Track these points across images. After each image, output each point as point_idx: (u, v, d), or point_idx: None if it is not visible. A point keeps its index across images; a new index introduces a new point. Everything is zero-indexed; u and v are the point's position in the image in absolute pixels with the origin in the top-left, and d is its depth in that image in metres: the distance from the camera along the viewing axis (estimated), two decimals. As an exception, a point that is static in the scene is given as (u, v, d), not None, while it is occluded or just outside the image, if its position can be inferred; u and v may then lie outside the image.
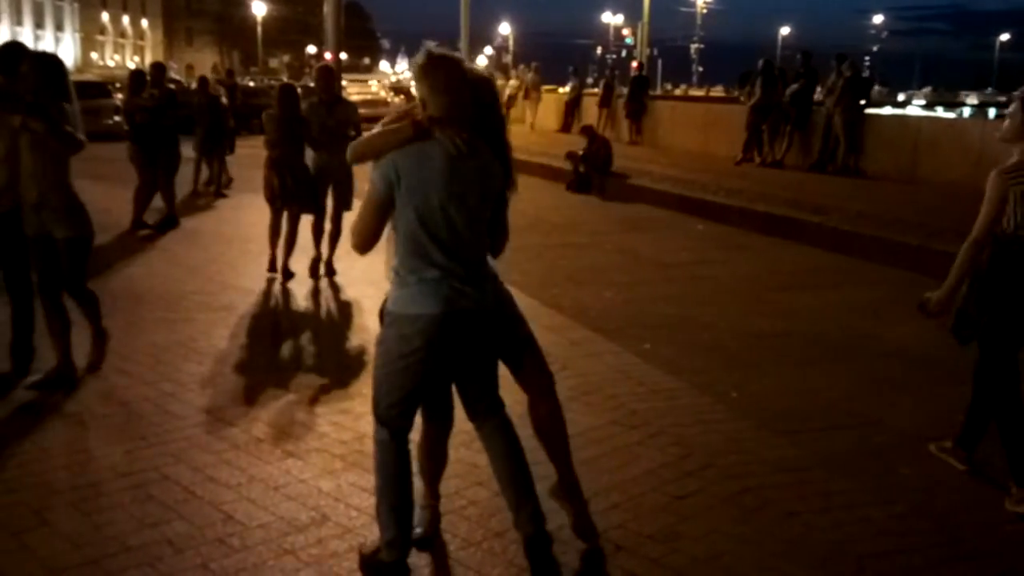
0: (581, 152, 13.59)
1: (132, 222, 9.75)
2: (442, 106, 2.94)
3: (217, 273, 7.84)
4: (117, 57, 77.80)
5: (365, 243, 3.02)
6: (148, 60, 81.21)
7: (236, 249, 8.89)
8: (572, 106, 21.89)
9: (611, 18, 78.20)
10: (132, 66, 69.43)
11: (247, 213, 10.83)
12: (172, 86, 11.40)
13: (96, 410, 4.69)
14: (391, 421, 3.10)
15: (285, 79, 51.52)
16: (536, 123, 23.73)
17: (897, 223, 9.40)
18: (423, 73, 2.96)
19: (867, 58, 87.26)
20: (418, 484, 3.35)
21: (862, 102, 14.03)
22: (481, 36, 78.68)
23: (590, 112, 21.07)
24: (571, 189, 13.47)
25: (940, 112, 51.28)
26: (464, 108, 2.98)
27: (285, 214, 7.56)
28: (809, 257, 9.19)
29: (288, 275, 7.52)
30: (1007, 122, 4.01)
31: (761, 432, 4.61)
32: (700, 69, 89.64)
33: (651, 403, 4.94)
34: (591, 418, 4.68)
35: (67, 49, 73.11)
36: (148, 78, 10.31)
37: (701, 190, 11.97)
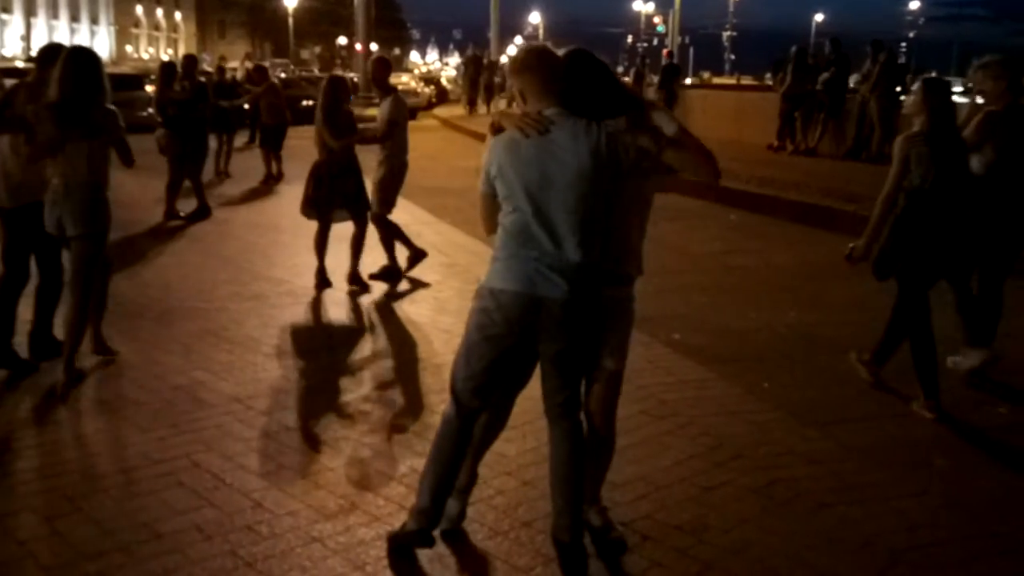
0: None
1: (165, 213, 9.84)
2: (538, 96, 2.99)
3: (248, 263, 7.89)
4: (151, 50, 78.57)
5: (488, 228, 3.13)
6: (181, 52, 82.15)
7: (268, 239, 8.95)
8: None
9: (642, 6, 77.44)
10: (166, 58, 70.40)
11: (280, 203, 10.91)
12: (203, 79, 11.46)
13: (129, 397, 4.73)
14: (463, 395, 3.13)
15: (316, 70, 51.92)
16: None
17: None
18: (515, 70, 3.06)
19: (903, 44, 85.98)
20: None
21: (898, 89, 13.81)
22: (511, 25, 78.68)
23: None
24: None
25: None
26: (556, 93, 2.98)
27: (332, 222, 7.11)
28: (842, 246, 9.02)
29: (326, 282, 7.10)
30: (911, 98, 4.87)
31: (792, 423, 4.56)
32: (732, 57, 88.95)
33: (681, 393, 4.91)
34: (620, 408, 4.49)
35: (102, 42, 73.97)
36: (179, 70, 10.36)
37: (733, 179, 11.81)
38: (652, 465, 4.02)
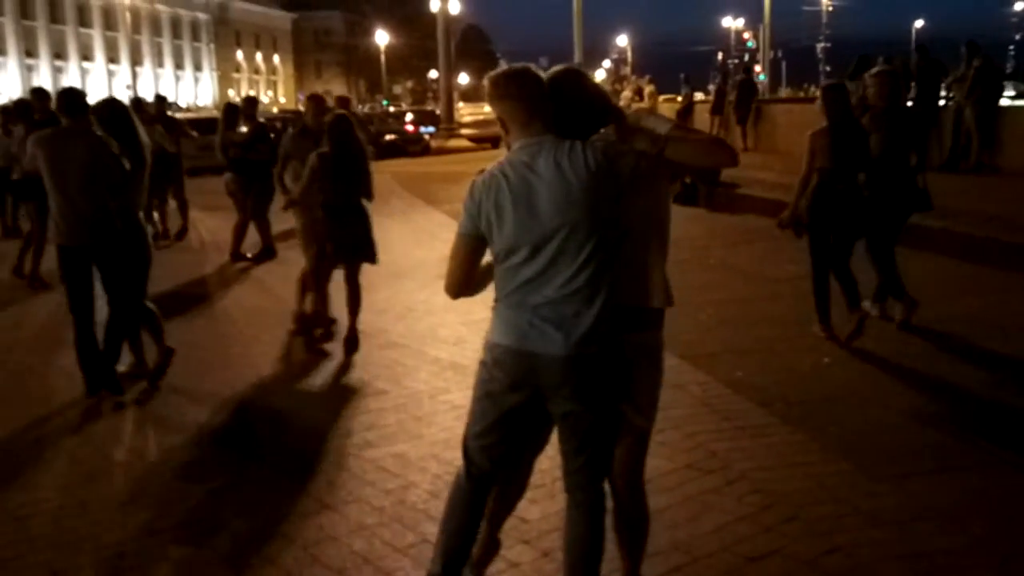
0: (687, 163, 13.00)
1: (231, 254, 9.85)
2: (520, 125, 2.67)
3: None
4: (252, 92, 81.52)
5: (456, 282, 2.78)
6: (280, 94, 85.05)
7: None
8: (684, 115, 21.22)
9: (732, 22, 76.32)
10: (267, 100, 72.90)
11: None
12: (262, 119, 11.51)
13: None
14: (473, 455, 2.81)
15: (404, 105, 52.73)
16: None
17: (1035, 225, 8.47)
18: (494, 97, 2.72)
19: (1011, 48, 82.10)
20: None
21: (1010, 93, 12.86)
22: (599, 49, 78.50)
23: (702, 120, 20.37)
24: (677, 201, 12.79)
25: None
26: (540, 120, 2.65)
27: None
28: (934, 266, 8.35)
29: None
30: (817, 102, 6.12)
31: (860, 476, 4.04)
32: (828, 69, 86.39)
33: (734, 442, 4.44)
34: (663, 461, 4.21)
35: (205, 87, 77.20)
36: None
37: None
38: (691, 530, 3.58)
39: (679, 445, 4.40)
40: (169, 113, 13.28)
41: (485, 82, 2.80)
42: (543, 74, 2.76)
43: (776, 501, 3.80)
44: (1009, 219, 9.01)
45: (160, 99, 13.41)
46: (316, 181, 6.13)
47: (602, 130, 2.74)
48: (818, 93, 5.88)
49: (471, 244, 2.70)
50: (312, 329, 6.63)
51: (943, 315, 6.63)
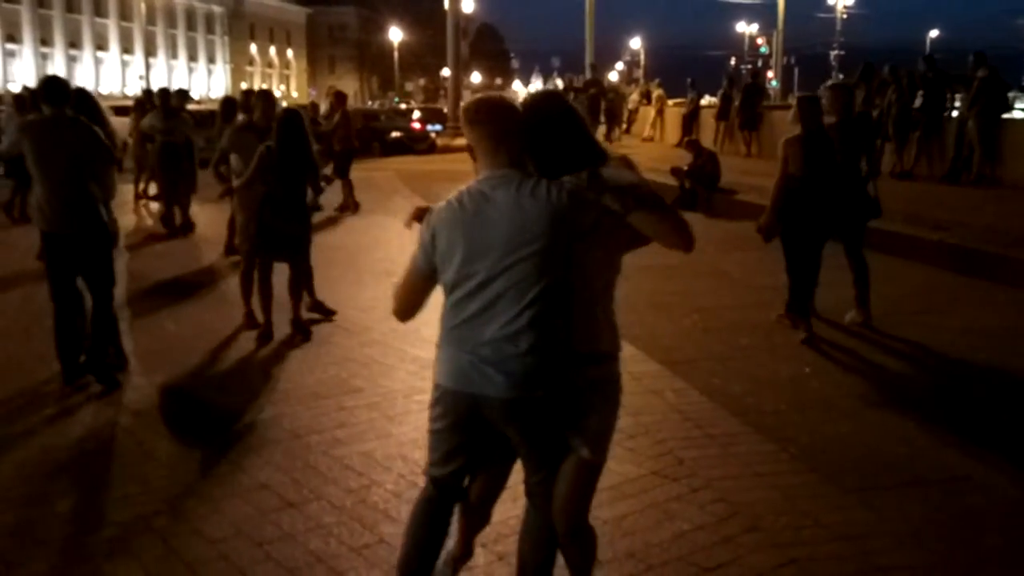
0: (686, 167, 12.96)
1: (225, 247, 9.85)
2: (489, 154, 2.61)
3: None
4: (265, 86, 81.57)
5: (404, 307, 2.81)
6: (293, 88, 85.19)
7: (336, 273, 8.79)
8: (689, 119, 21.16)
9: (746, 27, 76.03)
10: (279, 94, 73.16)
11: (355, 236, 10.82)
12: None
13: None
14: (437, 478, 2.79)
15: (413, 102, 52.74)
16: (662, 137, 23.71)
17: (1030, 239, 8.41)
18: (467, 123, 2.66)
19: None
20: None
21: (1021, 105, 12.77)
22: (612, 51, 78.33)
23: (708, 125, 20.30)
24: (675, 206, 12.81)
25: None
26: (508, 151, 2.59)
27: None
28: (925, 278, 8.32)
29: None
30: (792, 111, 6.52)
31: (825, 488, 4.02)
32: (841, 76, 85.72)
33: (703, 450, 4.42)
34: (630, 467, 4.20)
35: (218, 79, 77.33)
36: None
37: (813, 205, 11.13)
38: (648, 539, 3.56)
39: (647, 451, 4.38)
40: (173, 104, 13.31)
41: (460, 109, 2.76)
42: (525, 97, 2.78)
43: (738, 511, 3.77)
44: (1004, 232, 8.95)
45: (182, 93, 13.38)
46: (260, 174, 6.24)
47: (570, 177, 2.56)
48: (793, 103, 6.42)
49: (422, 276, 2.68)
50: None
51: (933, 328, 6.60)
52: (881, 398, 5.25)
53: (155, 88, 19.25)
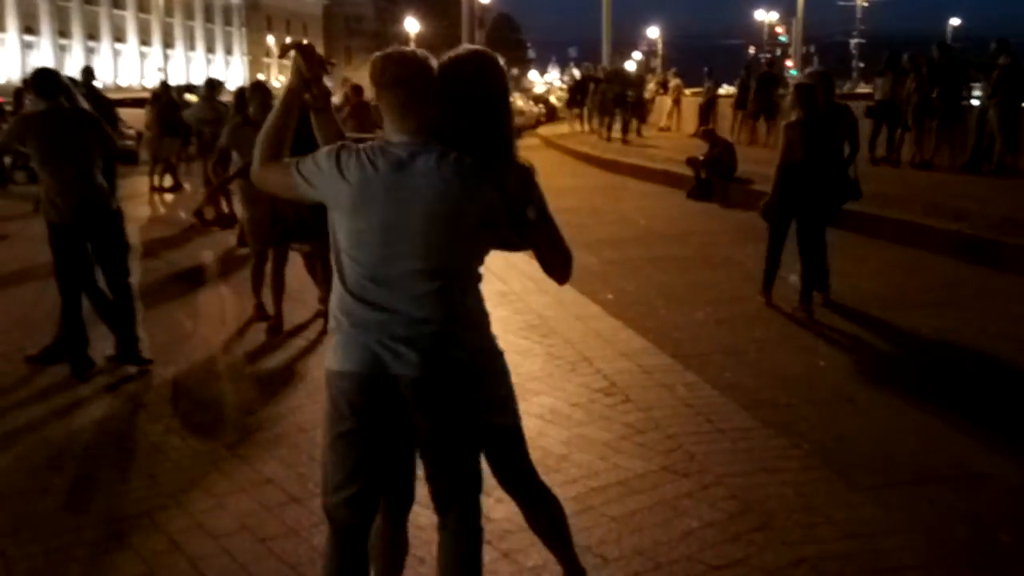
0: (702, 157, 12.85)
1: (238, 238, 9.84)
2: (397, 119, 2.35)
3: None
4: (282, 78, 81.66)
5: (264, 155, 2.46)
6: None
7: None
8: (706, 109, 20.99)
9: (765, 16, 75.40)
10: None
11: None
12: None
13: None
14: (337, 513, 2.47)
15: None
16: (678, 127, 23.39)
17: (1052, 230, 8.27)
18: (375, 84, 2.37)
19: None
20: None
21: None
22: (629, 40, 77.86)
23: (725, 114, 20.14)
24: (692, 196, 12.74)
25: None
26: (421, 118, 2.35)
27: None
28: (944, 270, 8.20)
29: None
30: (789, 97, 7.13)
31: (838, 484, 3.94)
32: (861, 65, 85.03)
33: (715, 445, 4.35)
34: (640, 462, 4.15)
35: (236, 71, 77.49)
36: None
37: (829, 195, 10.99)
38: (657, 536, 3.50)
39: (657, 447, 4.32)
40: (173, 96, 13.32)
41: (369, 65, 2.39)
42: (447, 57, 2.45)
43: (750, 507, 3.71)
44: (1021, 223, 8.80)
45: (211, 83, 13.26)
46: None
47: (510, 169, 2.40)
48: (791, 90, 6.86)
49: (295, 185, 2.37)
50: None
51: (951, 320, 6.49)
52: (896, 393, 5.16)
53: (165, 80, 19.38)
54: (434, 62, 2.40)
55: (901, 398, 5.06)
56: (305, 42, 2.61)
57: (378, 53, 2.41)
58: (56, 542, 3.52)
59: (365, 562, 2.53)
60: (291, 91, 2.49)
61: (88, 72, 12.83)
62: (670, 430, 4.51)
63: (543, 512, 2.79)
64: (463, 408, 2.46)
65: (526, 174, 2.46)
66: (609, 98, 20.70)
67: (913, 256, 8.71)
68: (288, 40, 2.60)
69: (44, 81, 5.28)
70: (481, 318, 2.54)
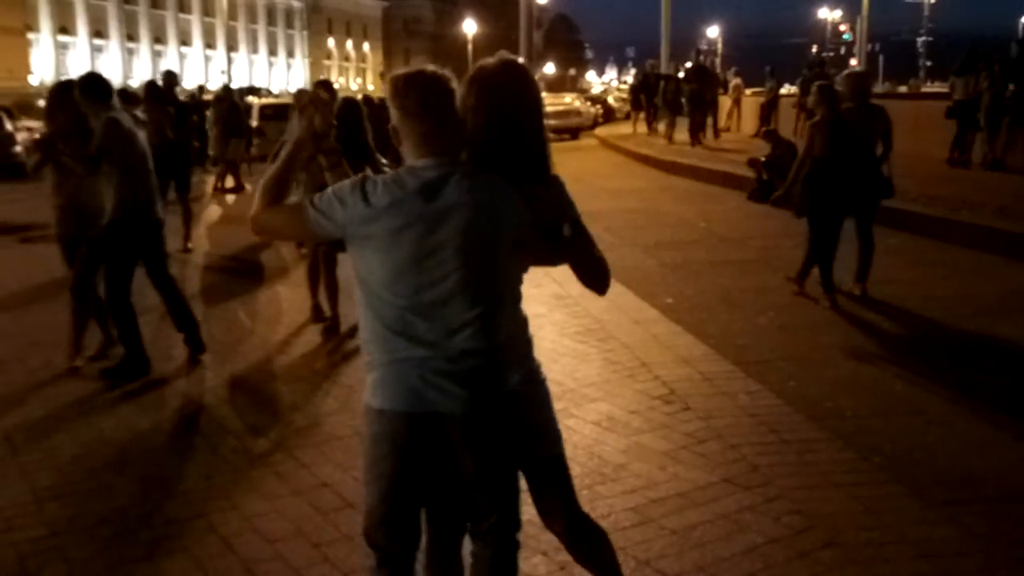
0: (764, 158, 12.58)
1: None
2: (416, 143, 2.28)
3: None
4: (342, 80, 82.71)
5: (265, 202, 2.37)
6: (369, 81, 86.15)
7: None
8: (768, 109, 20.61)
9: (828, 14, 73.98)
10: (355, 87, 74.06)
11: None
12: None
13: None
14: (377, 540, 2.38)
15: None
16: (738, 127, 23.05)
17: None
18: (393, 105, 2.29)
19: None
20: None
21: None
22: (688, 40, 77.13)
23: (788, 114, 19.75)
24: (753, 198, 12.46)
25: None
26: (442, 140, 2.28)
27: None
28: (1020, 276, 7.88)
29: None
30: (811, 97, 7.12)
31: (911, 501, 3.77)
32: (928, 64, 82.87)
33: (779, 457, 4.20)
34: (700, 473, 4.02)
35: (297, 73, 78.67)
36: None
37: (898, 197, 10.64)
38: (719, 551, 3.38)
39: (719, 457, 4.19)
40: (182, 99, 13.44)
41: (385, 82, 2.36)
42: (478, 70, 2.39)
43: (815, 524, 3.56)
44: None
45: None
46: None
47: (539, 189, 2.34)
48: (814, 90, 7.02)
49: (313, 226, 2.28)
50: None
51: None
52: (971, 405, 4.94)
53: (228, 84, 19.65)
54: (455, 83, 2.32)
55: (977, 411, 4.85)
56: (324, 96, 2.62)
57: (399, 72, 2.31)
58: (114, 542, 3.53)
59: None
60: (299, 143, 2.46)
61: (170, 76, 12.81)
62: (732, 440, 4.38)
63: (588, 547, 2.64)
64: (509, 441, 2.38)
65: (561, 187, 2.40)
66: (685, 97, 20.24)
67: (986, 261, 8.40)
68: (309, 94, 2.63)
69: (98, 85, 5.41)
70: (524, 346, 2.47)
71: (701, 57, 24.09)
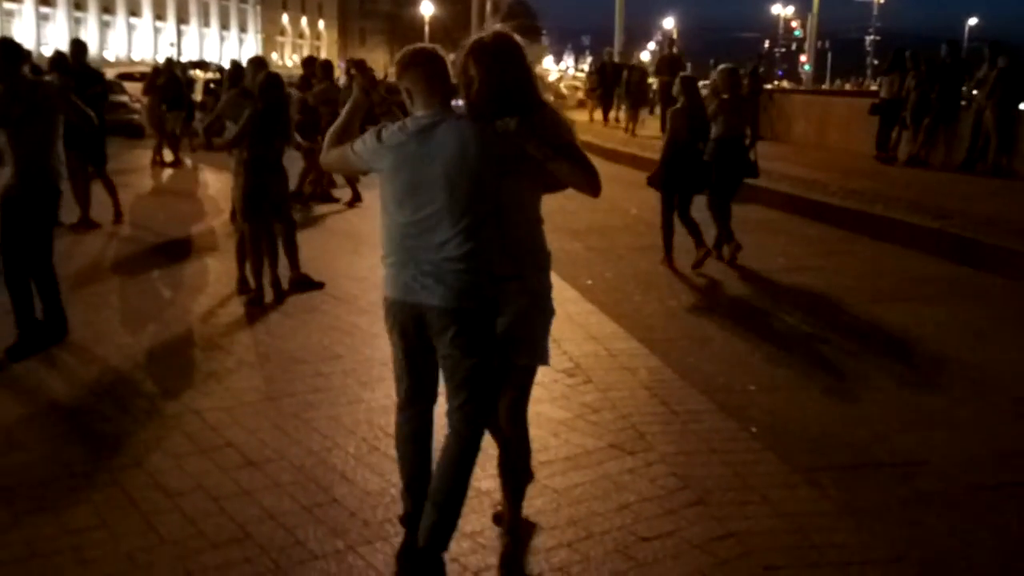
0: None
1: (231, 212, 9.97)
2: (424, 95, 2.98)
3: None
4: (295, 56, 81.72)
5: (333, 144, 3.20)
6: (323, 58, 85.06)
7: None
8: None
9: (780, 10, 75.03)
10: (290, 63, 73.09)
11: (358, 207, 10.92)
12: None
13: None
14: (400, 395, 3.19)
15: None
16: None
17: (1031, 231, 8.34)
18: (402, 67, 3.01)
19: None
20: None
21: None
22: (643, 30, 77.56)
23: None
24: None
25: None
26: (443, 93, 2.98)
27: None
28: (921, 266, 8.29)
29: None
30: (675, 87, 7.88)
31: (779, 467, 4.06)
32: (875, 62, 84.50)
33: (665, 426, 4.47)
34: (590, 440, 4.28)
35: (249, 48, 77.44)
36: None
37: (820, 191, 11.10)
38: (594, 508, 3.63)
39: (610, 425, 4.45)
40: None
41: (396, 57, 3.09)
42: (477, 39, 2.98)
43: (687, 485, 3.83)
44: (1006, 222, 8.88)
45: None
46: (247, 137, 6.54)
47: (501, 121, 2.87)
48: (677, 80, 7.89)
49: (359, 162, 3.06)
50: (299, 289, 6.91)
51: (918, 316, 6.60)
52: (853, 383, 5.28)
53: (170, 57, 19.43)
54: (443, 52, 3.03)
55: (856, 390, 5.18)
56: (359, 59, 3.25)
57: (408, 48, 3.06)
58: (17, 494, 3.68)
59: (426, 432, 3.19)
60: (357, 101, 3.24)
61: (76, 44, 12.61)
62: (624, 410, 4.64)
63: (515, 453, 3.27)
64: (480, 339, 2.96)
65: (554, 114, 3.04)
66: (656, 89, 20.31)
67: (893, 252, 8.80)
68: (349, 60, 3.28)
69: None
70: (522, 268, 3.01)
71: (674, 49, 23.45)
